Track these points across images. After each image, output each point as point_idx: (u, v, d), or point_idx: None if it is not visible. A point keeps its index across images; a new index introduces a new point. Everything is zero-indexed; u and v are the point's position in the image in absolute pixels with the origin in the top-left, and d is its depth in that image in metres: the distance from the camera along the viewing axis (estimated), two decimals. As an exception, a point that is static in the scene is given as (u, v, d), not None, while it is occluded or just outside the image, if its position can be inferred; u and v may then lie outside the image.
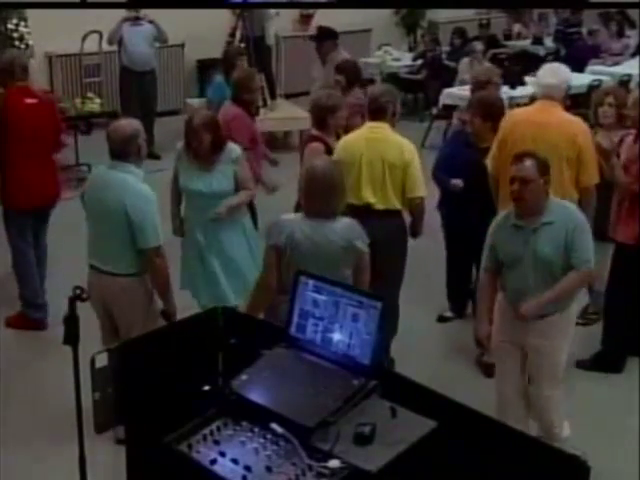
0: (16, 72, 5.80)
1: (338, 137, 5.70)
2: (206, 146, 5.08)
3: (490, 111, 5.71)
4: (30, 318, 6.03)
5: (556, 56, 12.77)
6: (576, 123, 5.29)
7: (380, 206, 5.19)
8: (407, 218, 5.45)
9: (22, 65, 5.88)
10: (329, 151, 5.44)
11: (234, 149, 5.24)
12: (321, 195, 4.11)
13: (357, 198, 5.12)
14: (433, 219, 6.08)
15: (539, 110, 5.37)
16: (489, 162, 5.45)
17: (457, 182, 5.80)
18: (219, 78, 7.76)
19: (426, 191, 5.32)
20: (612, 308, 5.64)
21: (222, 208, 5.13)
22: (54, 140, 6.06)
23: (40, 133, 5.84)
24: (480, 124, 5.73)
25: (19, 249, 6.00)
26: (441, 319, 6.39)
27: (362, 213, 4.87)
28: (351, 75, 6.98)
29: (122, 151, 4.47)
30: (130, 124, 4.59)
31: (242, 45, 10.57)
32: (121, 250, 4.50)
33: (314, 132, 5.71)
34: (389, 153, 5.18)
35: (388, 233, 5.14)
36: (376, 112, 5.32)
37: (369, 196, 5.18)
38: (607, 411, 5.18)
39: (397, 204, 5.24)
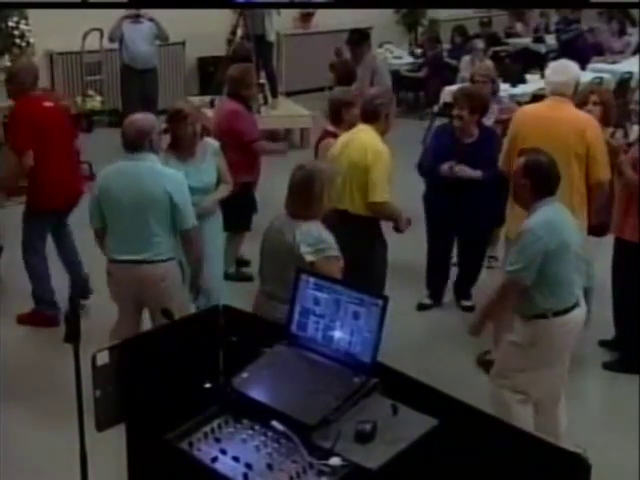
0: (26, 83, 5.84)
1: None
2: (196, 135, 5.15)
3: (477, 104, 5.94)
4: (44, 314, 6.03)
5: (557, 54, 12.76)
6: (585, 119, 5.30)
7: (341, 206, 5.07)
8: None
9: (33, 75, 5.90)
10: None
11: (213, 142, 5.36)
12: (294, 196, 4.18)
13: None
14: (412, 210, 6.14)
15: (549, 106, 5.40)
16: (501, 157, 5.49)
17: (445, 167, 5.89)
18: None
19: (387, 196, 5.18)
20: (622, 310, 5.61)
21: (209, 203, 5.22)
22: (71, 142, 6.11)
23: (60, 135, 5.89)
24: (468, 117, 5.91)
25: (36, 249, 6.00)
26: (421, 307, 6.48)
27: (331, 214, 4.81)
28: (341, 75, 6.97)
29: (133, 143, 4.56)
30: (145, 118, 4.70)
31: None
32: (160, 235, 4.57)
33: (329, 127, 5.76)
34: (353, 152, 5.19)
35: (350, 236, 4.87)
36: (368, 115, 5.32)
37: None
38: (608, 409, 5.19)
39: (354, 208, 5.19)
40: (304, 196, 4.14)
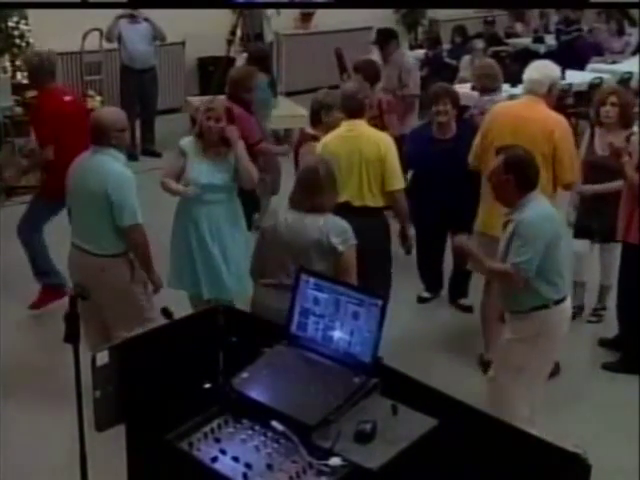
0: (52, 72, 6.11)
1: None
2: (212, 131, 5.10)
3: (456, 99, 6.12)
4: (52, 288, 6.12)
5: (557, 54, 12.76)
6: (554, 120, 5.25)
7: (357, 203, 5.21)
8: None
9: (51, 65, 6.18)
10: None
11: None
12: (306, 190, 4.21)
13: None
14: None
15: (521, 105, 5.39)
16: (471, 154, 5.49)
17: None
18: (263, 78, 7.66)
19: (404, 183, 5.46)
20: (626, 311, 5.60)
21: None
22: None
23: (79, 128, 5.87)
24: (452, 112, 6.04)
25: (35, 229, 6.14)
26: (420, 300, 6.58)
27: (341, 211, 4.77)
28: (369, 75, 7.01)
29: (95, 137, 4.64)
30: (107, 112, 4.78)
31: (241, 43, 10.61)
32: (102, 230, 4.63)
33: (309, 130, 5.72)
34: (366, 149, 5.23)
35: (366, 231, 4.92)
36: (354, 110, 5.36)
37: (346, 194, 5.12)
38: (608, 408, 5.19)
39: (375, 201, 5.28)
40: (330, 190, 4.25)
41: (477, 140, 5.46)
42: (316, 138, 5.58)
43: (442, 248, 6.44)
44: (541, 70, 5.36)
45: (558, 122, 5.25)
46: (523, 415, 4.17)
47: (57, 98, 6.02)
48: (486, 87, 6.78)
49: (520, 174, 4.19)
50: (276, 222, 4.27)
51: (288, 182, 5.73)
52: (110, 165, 4.62)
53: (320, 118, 5.64)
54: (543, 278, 4.17)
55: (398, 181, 5.31)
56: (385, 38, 8.50)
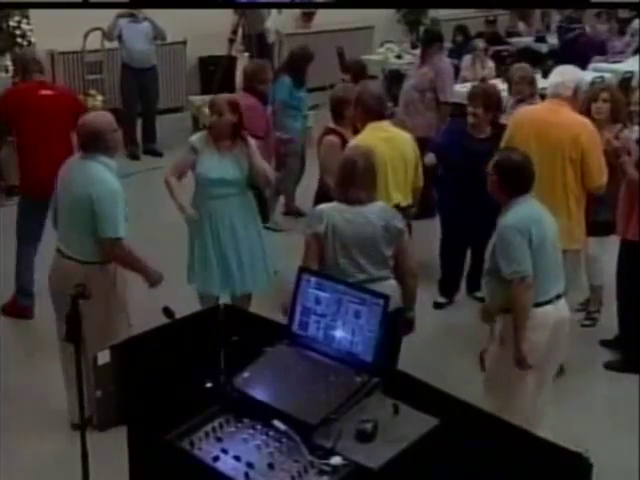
0: (30, 66, 6.02)
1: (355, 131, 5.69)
2: (217, 126, 5.13)
3: (491, 102, 6.00)
4: (19, 305, 6.11)
5: (558, 53, 12.74)
6: (580, 123, 5.23)
7: (405, 203, 5.30)
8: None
9: (35, 59, 6.12)
10: (345, 143, 5.43)
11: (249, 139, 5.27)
12: (361, 183, 4.27)
13: (387, 199, 5.12)
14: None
15: (546, 109, 5.38)
16: None
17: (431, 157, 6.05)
18: (287, 80, 7.69)
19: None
20: (626, 310, 5.59)
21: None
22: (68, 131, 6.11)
23: (55, 123, 5.92)
24: (483, 115, 5.95)
25: (26, 235, 6.08)
26: (437, 305, 6.51)
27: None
28: (358, 74, 7.05)
29: (87, 144, 4.55)
30: (98, 118, 4.66)
31: (242, 42, 10.63)
32: (85, 238, 4.56)
33: (331, 125, 5.77)
34: (406, 150, 5.32)
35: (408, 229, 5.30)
36: (381, 111, 5.37)
37: (397, 195, 5.23)
38: (609, 408, 5.19)
39: (410, 199, 5.40)
40: (368, 179, 4.32)
41: (503, 146, 5.45)
42: (336, 132, 5.61)
43: (465, 250, 6.36)
44: (564, 74, 5.37)
45: (584, 125, 5.22)
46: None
47: (29, 91, 5.96)
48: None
49: (505, 176, 4.16)
50: (333, 222, 4.22)
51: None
52: (99, 174, 4.52)
53: (342, 113, 5.67)
54: (511, 282, 4.10)
55: (422, 178, 5.48)
56: (429, 39, 8.41)
